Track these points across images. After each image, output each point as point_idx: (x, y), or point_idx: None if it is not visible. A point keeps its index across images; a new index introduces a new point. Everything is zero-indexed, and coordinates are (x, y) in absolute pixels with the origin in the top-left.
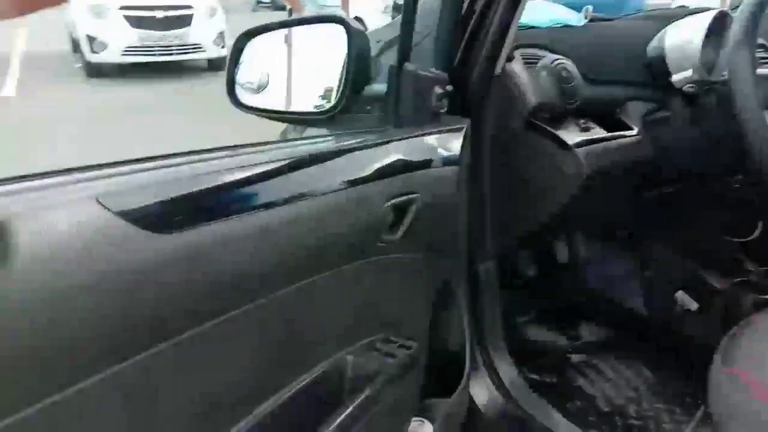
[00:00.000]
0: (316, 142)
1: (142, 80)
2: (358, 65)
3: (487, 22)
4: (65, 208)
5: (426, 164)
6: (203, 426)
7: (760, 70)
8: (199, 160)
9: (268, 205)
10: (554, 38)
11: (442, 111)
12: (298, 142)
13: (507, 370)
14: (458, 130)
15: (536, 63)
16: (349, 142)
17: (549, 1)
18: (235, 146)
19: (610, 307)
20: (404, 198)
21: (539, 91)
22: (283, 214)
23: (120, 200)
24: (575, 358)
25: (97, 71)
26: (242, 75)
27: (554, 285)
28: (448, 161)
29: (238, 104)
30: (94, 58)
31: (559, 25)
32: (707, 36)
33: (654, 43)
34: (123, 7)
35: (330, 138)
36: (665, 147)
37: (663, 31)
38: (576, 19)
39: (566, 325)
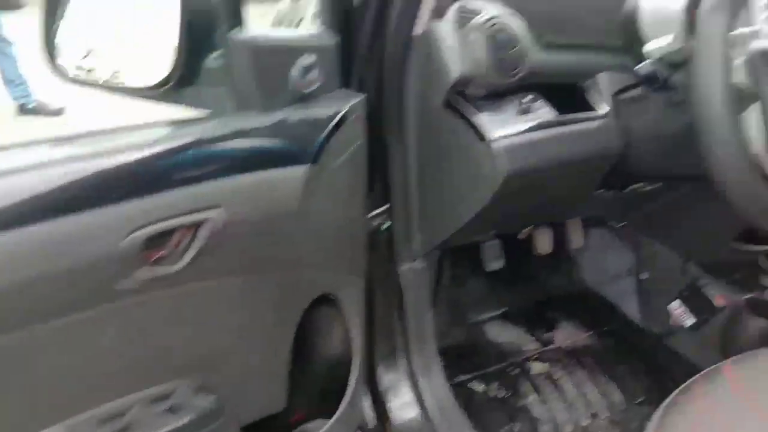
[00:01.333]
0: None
1: None
2: (196, 22)
3: None
4: None
5: (250, 166)
6: None
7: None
8: None
9: None
10: None
11: (313, 88)
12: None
13: (432, 384)
14: (333, 115)
15: (473, 19)
16: (136, 141)
17: None
18: None
19: (599, 308)
20: (178, 220)
21: (467, 59)
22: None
23: None
24: (537, 367)
25: None
26: (63, 33)
27: (530, 278)
28: (296, 157)
29: (60, 73)
30: None
31: None
32: None
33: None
34: None
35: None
36: (638, 136)
37: None
38: None
39: (540, 326)
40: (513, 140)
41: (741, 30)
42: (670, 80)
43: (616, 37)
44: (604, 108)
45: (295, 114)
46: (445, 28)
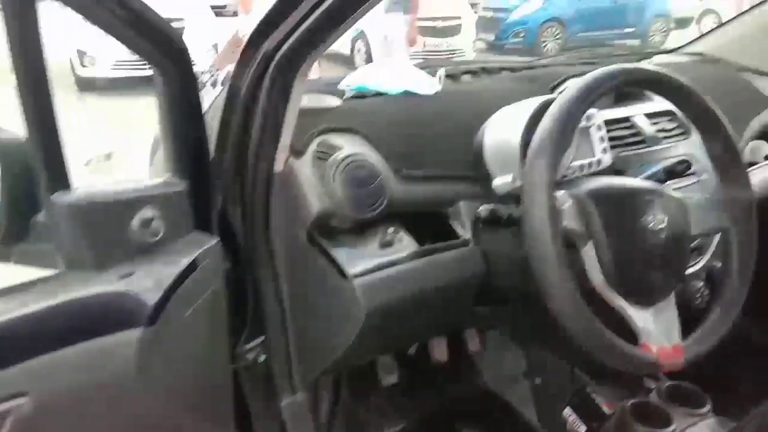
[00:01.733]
0: None
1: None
2: (16, 183)
3: (254, 105)
4: None
5: (72, 338)
6: None
7: None
8: None
9: None
10: (368, 120)
11: (156, 239)
12: None
13: None
14: (182, 263)
15: (331, 156)
16: None
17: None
18: None
19: (500, 412)
20: None
21: (326, 196)
22: None
23: None
24: None
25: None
26: None
27: (431, 386)
28: (133, 318)
29: None
30: (84, 73)
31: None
32: (531, 130)
33: (479, 135)
34: None
35: None
36: (497, 260)
37: (487, 121)
38: (428, 85)
39: None
40: (373, 276)
41: (581, 161)
42: (513, 216)
43: (472, 168)
44: (465, 234)
45: (135, 268)
46: (305, 165)
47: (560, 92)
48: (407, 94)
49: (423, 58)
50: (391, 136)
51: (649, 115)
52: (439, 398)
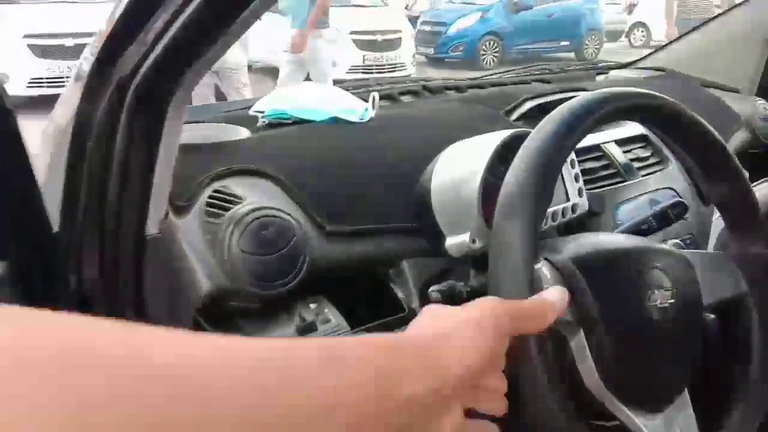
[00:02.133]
0: None
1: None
2: None
3: (111, 146)
4: None
5: None
6: None
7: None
8: None
9: None
10: (282, 158)
11: None
12: None
13: None
14: None
15: (228, 211)
16: None
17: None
18: None
19: None
20: None
21: (220, 266)
22: None
23: None
24: None
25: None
26: None
27: None
28: None
29: None
30: None
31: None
32: (494, 175)
33: (425, 178)
34: (27, 36)
35: None
36: None
37: (434, 160)
38: (360, 110)
39: None
40: None
41: (552, 207)
42: (476, 289)
43: (417, 219)
44: (412, 302)
45: None
46: (191, 226)
47: (535, 125)
48: (335, 122)
49: (363, 72)
50: (312, 178)
51: (620, 142)
52: None
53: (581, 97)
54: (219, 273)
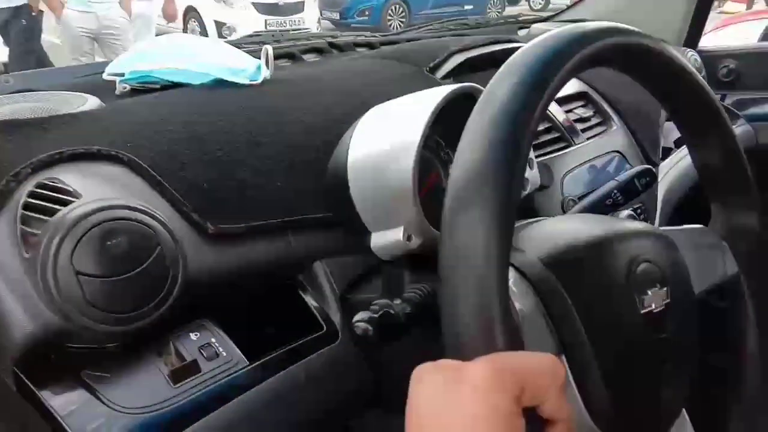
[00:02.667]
0: None
1: None
2: None
3: None
4: None
5: None
6: None
7: None
8: None
9: None
10: (145, 136)
11: None
12: None
13: None
14: None
15: (54, 215)
16: None
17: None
18: None
19: None
20: None
21: (47, 299)
22: None
23: None
24: None
25: None
26: None
27: None
28: None
29: None
30: None
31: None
32: (430, 149)
33: (340, 153)
34: None
35: None
36: (394, 368)
37: (350, 131)
38: (251, 69)
39: None
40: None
41: None
42: (418, 303)
43: (331, 208)
44: (331, 314)
45: None
46: (1, 239)
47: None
48: (218, 85)
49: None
50: (186, 162)
51: (561, 101)
52: None
53: (549, 36)
54: (43, 307)
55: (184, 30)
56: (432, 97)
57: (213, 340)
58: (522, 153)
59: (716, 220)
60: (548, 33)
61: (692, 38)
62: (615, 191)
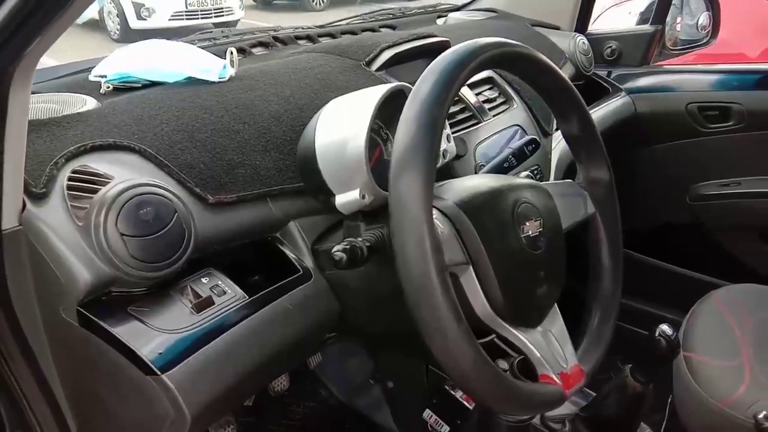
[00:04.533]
0: None
1: None
2: None
3: None
4: None
5: None
6: None
7: None
8: None
9: None
10: (146, 126)
11: None
12: None
13: None
14: None
15: (97, 193)
16: None
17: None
18: None
19: (353, 422)
20: None
21: (98, 255)
22: None
23: None
24: None
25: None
26: None
27: (270, 414)
28: None
29: None
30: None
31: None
32: (374, 131)
33: (307, 135)
34: None
35: None
36: (353, 297)
37: (315, 119)
38: (219, 67)
39: None
40: (192, 362)
41: None
42: (373, 245)
43: (302, 179)
44: (305, 261)
45: None
46: (54, 213)
47: (394, 74)
48: (192, 83)
49: (188, 18)
50: (182, 148)
51: (472, 85)
52: (286, 421)
53: (454, 50)
54: (98, 261)
55: (100, 11)
56: (375, 94)
57: (219, 282)
58: (438, 131)
59: (580, 175)
60: (453, 49)
61: (582, 24)
62: (510, 156)
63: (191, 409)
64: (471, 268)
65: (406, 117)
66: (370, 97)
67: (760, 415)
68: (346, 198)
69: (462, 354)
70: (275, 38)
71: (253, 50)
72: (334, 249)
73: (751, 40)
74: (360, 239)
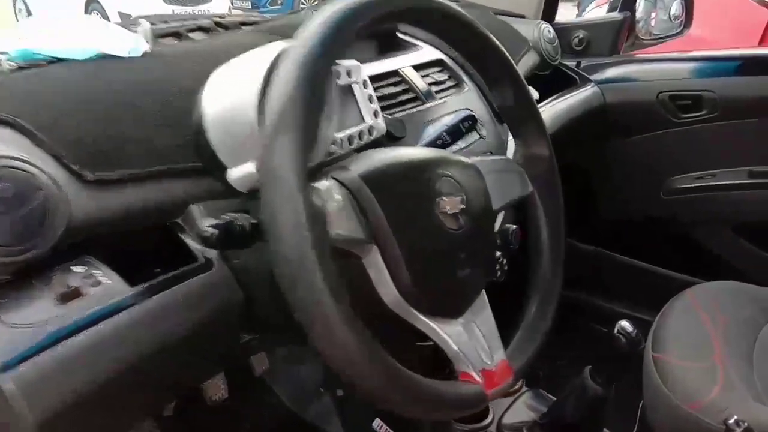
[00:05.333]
0: None
1: None
2: None
3: None
4: None
5: None
6: None
7: None
8: None
9: None
10: (32, 102)
11: None
12: None
13: None
14: None
15: None
16: None
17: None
18: None
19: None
20: None
21: None
22: None
23: None
24: None
25: None
26: None
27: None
28: None
29: None
30: None
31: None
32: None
33: (195, 106)
34: None
35: None
36: (253, 282)
37: (204, 85)
38: (131, 43)
39: None
40: (40, 362)
41: (348, 131)
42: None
43: (197, 156)
44: (208, 253)
45: None
46: None
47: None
48: (102, 59)
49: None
50: (71, 122)
51: (418, 67)
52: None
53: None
54: None
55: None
56: (269, 53)
57: (96, 272)
58: (314, 88)
59: (516, 151)
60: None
61: (548, 13)
62: (444, 133)
63: (37, 414)
64: (375, 247)
65: (280, 67)
66: (262, 57)
67: (731, 420)
68: (239, 172)
69: (347, 342)
70: (218, 23)
71: (191, 35)
72: (205, 225)
73: (731, 38)
74: (247, 216)
